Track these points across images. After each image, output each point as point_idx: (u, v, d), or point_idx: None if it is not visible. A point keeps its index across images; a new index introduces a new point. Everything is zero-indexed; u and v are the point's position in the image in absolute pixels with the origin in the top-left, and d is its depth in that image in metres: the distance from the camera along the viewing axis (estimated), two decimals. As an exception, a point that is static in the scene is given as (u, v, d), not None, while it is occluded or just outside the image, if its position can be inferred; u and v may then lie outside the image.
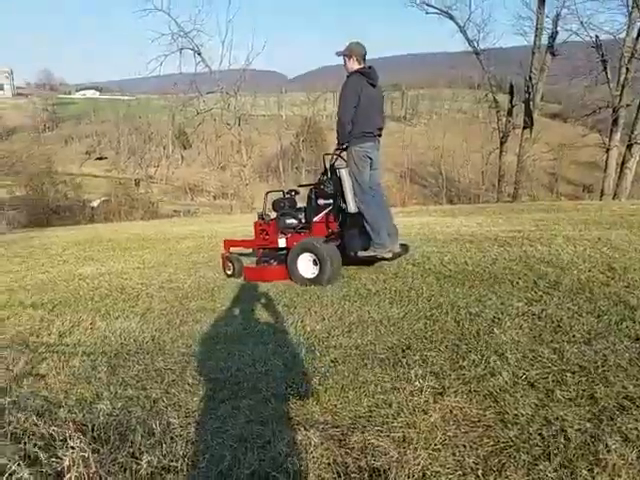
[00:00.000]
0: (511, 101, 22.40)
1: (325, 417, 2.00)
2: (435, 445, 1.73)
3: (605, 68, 18.84)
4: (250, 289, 4.41)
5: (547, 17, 19.97)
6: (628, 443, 1.63)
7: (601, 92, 20.09)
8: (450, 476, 1.58)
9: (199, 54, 24.74)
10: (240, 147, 27.51)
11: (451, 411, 1.95)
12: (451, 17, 22.15)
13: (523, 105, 21.40)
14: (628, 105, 18.42)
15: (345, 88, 4.10)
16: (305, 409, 2.08)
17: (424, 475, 1.59)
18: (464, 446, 1.72)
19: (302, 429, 1.90)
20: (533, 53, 20.42)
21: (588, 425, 1.74)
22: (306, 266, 4.23)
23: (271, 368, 2.54)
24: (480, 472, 1.57)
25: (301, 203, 4.93)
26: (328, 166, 4.38)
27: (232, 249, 5.25)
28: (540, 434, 1.72)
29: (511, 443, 1.69)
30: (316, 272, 4.15)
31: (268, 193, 5.00)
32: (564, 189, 38.03)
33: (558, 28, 19.64)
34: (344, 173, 4.20)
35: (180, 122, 40.57)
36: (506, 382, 2.10)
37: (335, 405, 2.08)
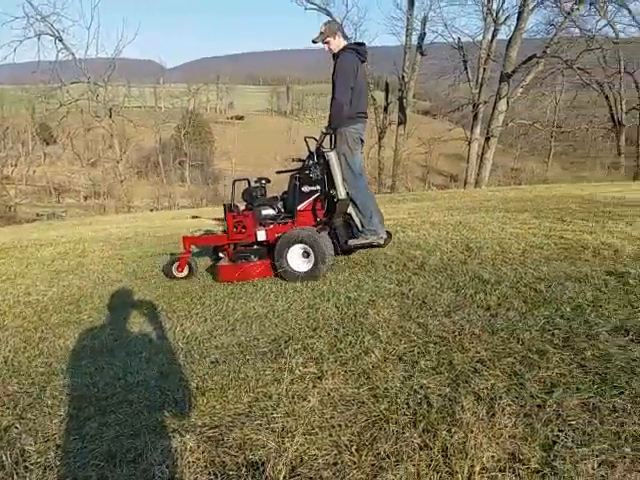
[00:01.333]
0: (387, 98, 23.84)
1: (203, 420, 1.93)
2: (313, 429, 1.77)
3: (466, 68, 20.96)
4: (123, 296, 4.11)
5: (416, 19, 21.55)
6: (480, 401, 1.82)
7: (464, 90, 22.30)
8: (326, 457, 1.62)
9: (60, 40, 22.48)
10: (113, 141, 25.65)
11: (329, 393, 2.01)
12: (329, 14, 22.83)
13: (398, 102, 22.92)
14: (486, 102, 20.67)
15: (342, 66, 3.84)
16: (182, 415, 1.99)
17: (301, 460, 1.61)
18: (340, 425, 1.78)
19: (177, 436, 1.81)
20: (405, 52, 21.90)
21: (447, 390, 1.92)
22: (297, 259, 3.87)
23: (145, 378, 2.39)
24: (354, 448, 1.64)
25: (270, 192, 4.60)
26: (314, 150, 4.05)
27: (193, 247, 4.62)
28: (407, 404, 1.85)
29: (382, 416, 1.79)
30: (310, 265, 3.82)
31: (235, 182, 4.46)
32: (435, 180, 41.51)
33: (426, 29, 21.33)
34: (333, 157, 3.87)
35: (41, 115, 36.40)
36: (378, 359, 2.23)
37: (214, 406, 2.02)
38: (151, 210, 25.52)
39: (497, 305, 2.77)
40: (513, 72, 18.87)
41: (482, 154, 20.51)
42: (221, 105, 73.52)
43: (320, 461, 1.60)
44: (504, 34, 20.20)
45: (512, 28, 18.99)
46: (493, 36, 20.27)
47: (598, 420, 1.66)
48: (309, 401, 1.96)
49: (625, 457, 1.50)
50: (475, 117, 20.85)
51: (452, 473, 1.50)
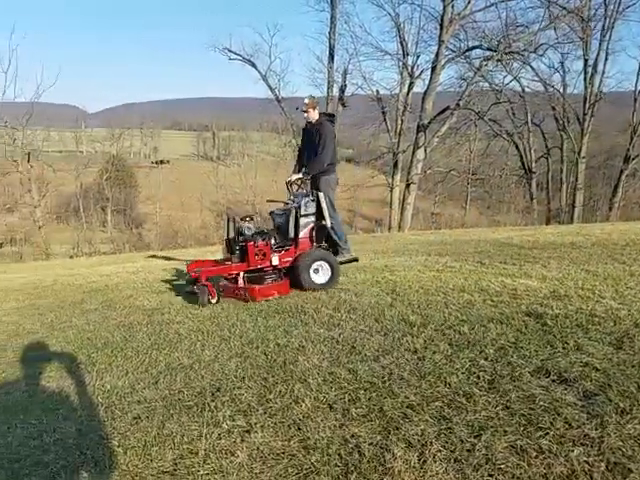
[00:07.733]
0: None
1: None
2: (242, 487, 1.70)
3: (385, 119, 22.23)
4: (39, 348, 3.80)
5: (337, 72, 22.70)
6: (411, 448, 1.83)
7: (384, 139, 23.57)
8: (257, 515, 1.56)
9: (-25, 83, 21.14)
10: (31, 186, 24.31)
11: (258, 447, 1.95)
12: (253, 65, 23.45)
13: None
14: (404, 151, 21.97)
15: (329, 133, 5.31)
16: (102, 476, 1.85)
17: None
18: (270, 481, 1.73)
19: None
20: (327, 103, 22.90)
21: (379, 438, 1.92)
22: (315, 274, 4.82)
23: (61, 437, 2.21)
24: (286, 504, 1.59)
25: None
26: (307, 190, 5.22)
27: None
28: (339, 454, 1.84)
29: (313, 468, 1.76)
30: (327, 278, 4.82)
31: (229, 219, 5.17)
32: (361, 223, 42.80)
33: (346, 82, 22.51)
34: (322, 196, 5.05)
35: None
36: (309, 408, 2.21)
37: (137, 465, 1.90)
38: (71, 257, 23.84)
39: (424, 348, 2.80)
40: (429, 123, 20.26)
41: (403, 200, 21.56)
42: (145, 150, 71.85)
43: (250, 521, 1.54)
44: (420, 87, 21.76)
45: (427, 82, 20.51)
46: (409, 89, 21.70)
47: (526, 462, 1.68)
48: (237, 456, 1.89)
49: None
50: (395, 165, 21.99)
51: (385, 522, 1.49)
